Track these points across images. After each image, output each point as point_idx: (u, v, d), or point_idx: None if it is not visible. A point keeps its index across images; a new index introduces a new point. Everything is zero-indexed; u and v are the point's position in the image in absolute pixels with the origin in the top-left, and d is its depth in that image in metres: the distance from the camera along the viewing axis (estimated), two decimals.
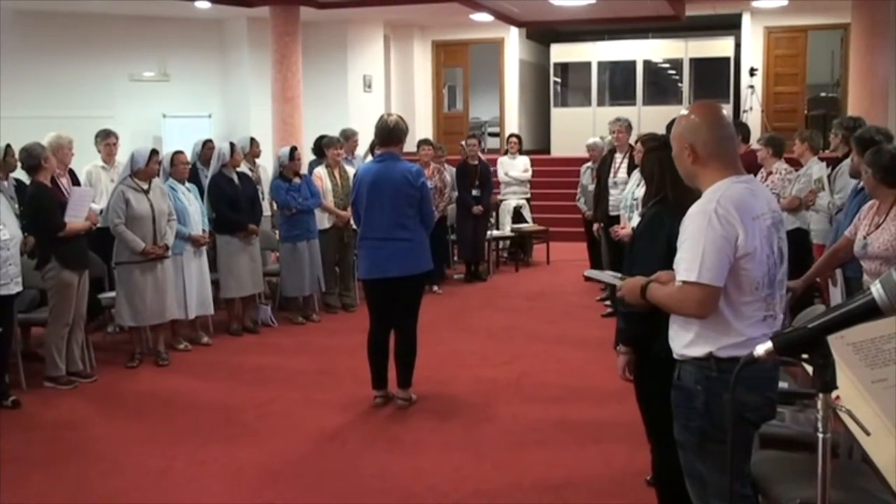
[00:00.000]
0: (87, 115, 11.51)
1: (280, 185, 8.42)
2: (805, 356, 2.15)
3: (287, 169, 8.49)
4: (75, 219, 6.42)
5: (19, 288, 6.05)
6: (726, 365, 2.85)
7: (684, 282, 2.85)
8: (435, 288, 9.73)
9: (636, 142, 6.14)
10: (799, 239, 7.05)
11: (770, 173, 7.47)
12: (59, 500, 4.59)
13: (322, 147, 9.26)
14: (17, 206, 6.85)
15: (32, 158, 6.40)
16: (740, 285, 2.87)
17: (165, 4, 12.54)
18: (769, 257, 2.91)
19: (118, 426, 5.73)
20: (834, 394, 2.15)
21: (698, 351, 2.93)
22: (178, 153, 7.62)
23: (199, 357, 7.40)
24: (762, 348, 2.21)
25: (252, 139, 9.42)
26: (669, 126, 4.47)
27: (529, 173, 11.75)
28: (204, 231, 7.63)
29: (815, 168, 7.18)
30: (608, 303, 8.68)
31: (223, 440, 5.40)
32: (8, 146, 7.21)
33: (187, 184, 7.66)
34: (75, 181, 7.66)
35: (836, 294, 5.30)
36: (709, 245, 2.80)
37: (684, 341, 2.97)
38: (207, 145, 8.64)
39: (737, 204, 2.86)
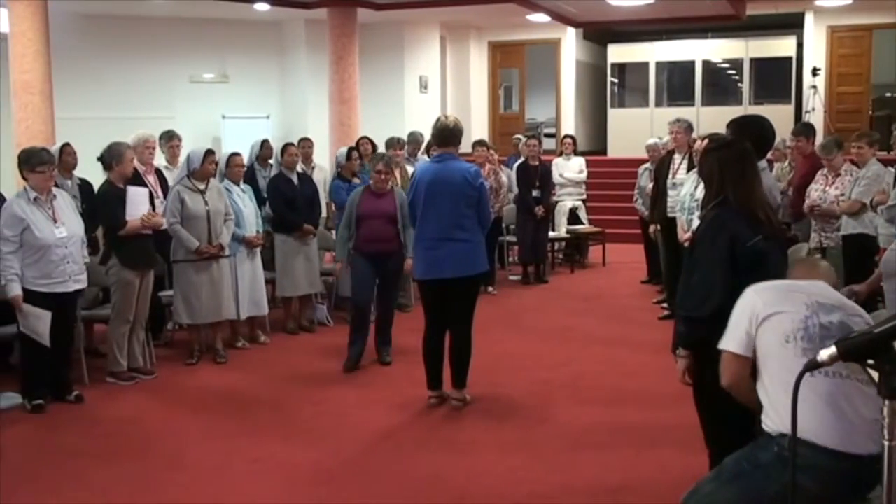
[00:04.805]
0: (149, 116, 11.72)
1: (339, 186, 8.48)
2: (871, 361, 2.10)
3: (345, 169, 8.56)
4: (134, 218, 6.50)
5: (80, 286, 6.11)
6: (798, 447, 2.75)
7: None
8: (490, 289, 9.71)
9: (702, 139, 6.04)
10: (862, 243, 6.91)
11: (838, 175, 7.35)
12: (120, 493, 4.67)
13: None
14: (80, 204, 7.01)
15: (108, 156, 6.54)
16: (772, 337, 2.96)
17: (225, 7, 12.72)
18: (808, 318, 2.94)
19: (177, 422, 5.82)
20: None
21: (771, 425, 2.93)
22: (234, 155, 7.70)
23: (256, 355, 7.48)
24: (826, 353, 2.17)
25: (302, 139, 9.49)
26: (729, 126, 4.42)
27: (584, 174, 11.66)
28: (258, 232, 7.70)
29: (874, 169, 7.04)
30: (665, 305, 8.59)
31: (279, 438, 5.45)
32: (65, 145, 7.39)
33: (242, 185, 7.74)
34: (162, 180, 7.78)
35: None
36: (734, 316, 3.08)
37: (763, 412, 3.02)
38: (265, 146, 8.73)
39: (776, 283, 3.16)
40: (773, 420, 2.90)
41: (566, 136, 12.02)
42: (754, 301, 3.03)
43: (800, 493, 2.76)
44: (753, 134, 4.20)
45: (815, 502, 2.87)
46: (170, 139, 8.38)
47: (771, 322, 2.97)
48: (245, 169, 7.89)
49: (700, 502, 3.03)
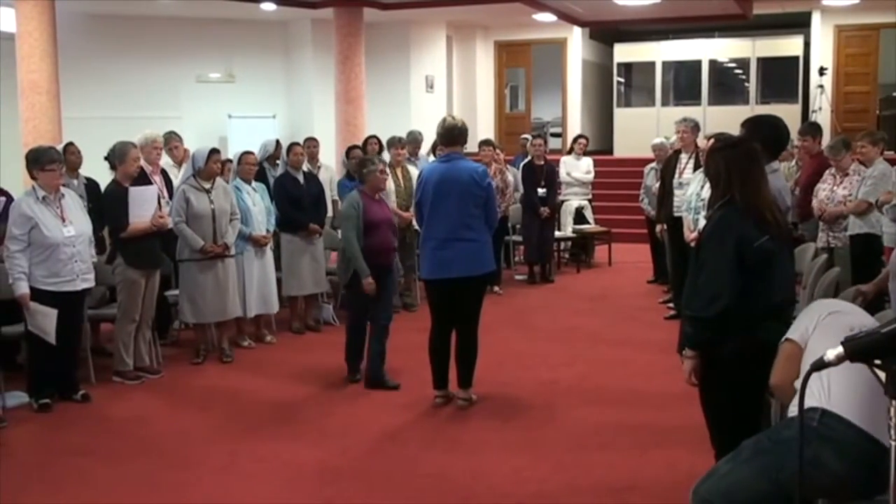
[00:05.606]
0: (156, 116, 11.78)
1: (347, 185, 8.48)
2: (877, 361, 2.10)
3: (350, 167, 8.61)
4: (140, 219, 6.50)
5: (88, 284, 6.14)
6: (828, 419, 2.80)
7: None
8: (496, 288, 9.69)
9: (709, 139, 6.03)
10: (868, 243, 6.89)
11: (846, 175, 7.32)
12: (126, 492, 4.67)
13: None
14: (87, 203, 7.02)
15: (113, 156, 6.58)
16: (836, 326, 2.97)
17: (232, 7, 12.73)
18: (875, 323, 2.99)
19: (183, 421, 5.82)
20: None
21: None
22: (246, 153, 7.72)
23: (262, 355, 7.48)
24: (833, 353, 2.16)
25: (308, 139, 9.50)
26: (744, 125, 4.41)
27: (592, 175, 11.65)
28: (268, 231, 7.71)
29: (881, 168, 7.02)
30: (671, 305, 8.58)
31: (284, 437, 5.45)
32: (69, 144, 7.40)
33: (255, 183, 7.75)
34: (168, 181, 7.78)
35: None
36: (801, 315, 3.20)
37: None
38: (278, 145, 8.75)
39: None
40: (806, 401, 2.84)
41: (580, 136, 11.90)
42: (826, 303, 3.18)
43: (821, 470, 2.74)
44: (767, 134, 4.19)
45: (834, 484, 2.84)
46: (168, 140, 8.35)
47: (837, 315, 3.04)
48: (257, 167, 7.89)
49: (717, 483, 2.97)
